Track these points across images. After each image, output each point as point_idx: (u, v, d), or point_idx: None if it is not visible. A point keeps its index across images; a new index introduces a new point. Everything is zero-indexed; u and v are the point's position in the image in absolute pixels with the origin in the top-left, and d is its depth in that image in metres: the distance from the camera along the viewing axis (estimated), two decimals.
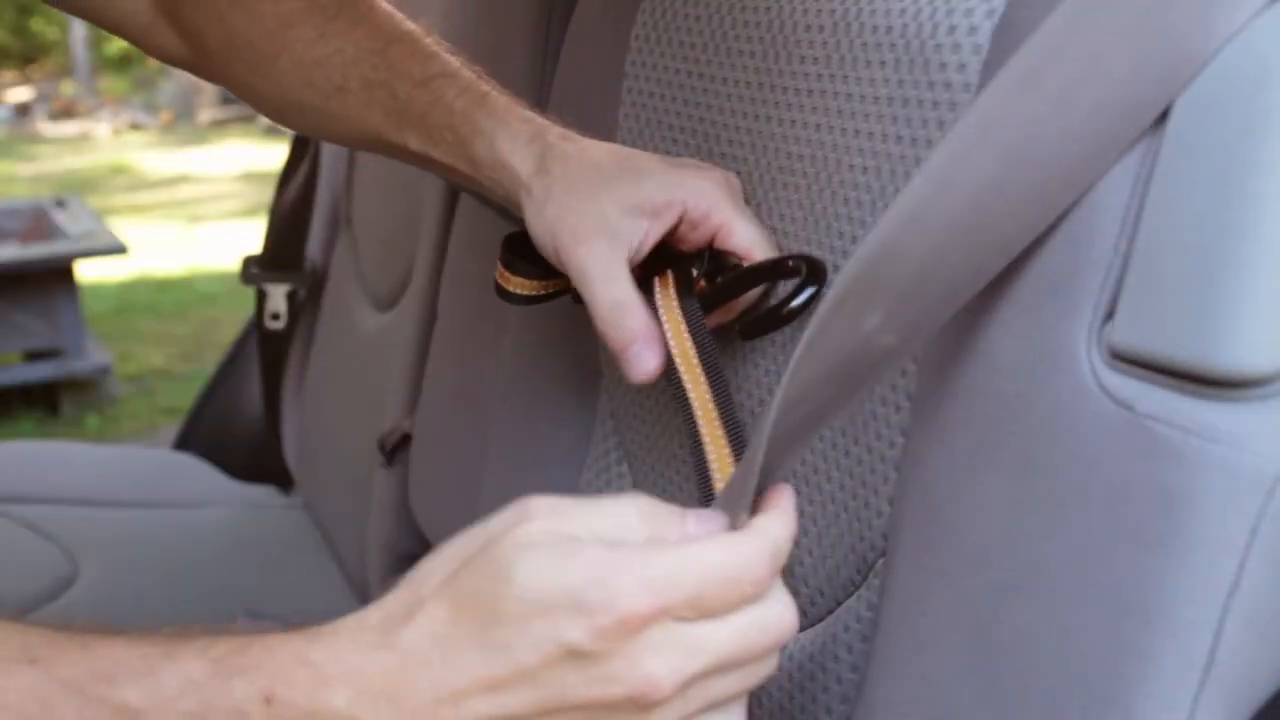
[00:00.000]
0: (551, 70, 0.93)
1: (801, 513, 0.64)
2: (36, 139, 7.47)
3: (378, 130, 0.74)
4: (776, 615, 0.46)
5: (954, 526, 0.53)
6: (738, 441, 0.58)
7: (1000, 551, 0.50)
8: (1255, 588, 0.43)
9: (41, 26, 10.09)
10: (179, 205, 5.65)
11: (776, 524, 0.48)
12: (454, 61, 0.73)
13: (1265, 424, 0.44)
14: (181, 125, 7.90)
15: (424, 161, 0.74)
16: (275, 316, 1.56)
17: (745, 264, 0.65)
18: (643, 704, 0.43)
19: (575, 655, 0.43)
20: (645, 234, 0.64)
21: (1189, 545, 0.44)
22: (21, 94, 8.51)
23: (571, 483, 0.83)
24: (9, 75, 9.25)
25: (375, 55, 0.73)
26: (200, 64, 0.80)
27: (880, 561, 0.59)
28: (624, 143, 0.78)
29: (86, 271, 3.54)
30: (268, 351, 1.57)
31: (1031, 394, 0.49)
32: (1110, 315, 0.47)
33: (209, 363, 3.06)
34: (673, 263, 0.67)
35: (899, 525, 0.56)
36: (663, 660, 0.43)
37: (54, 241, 3.15)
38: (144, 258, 4.48)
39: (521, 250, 0.70)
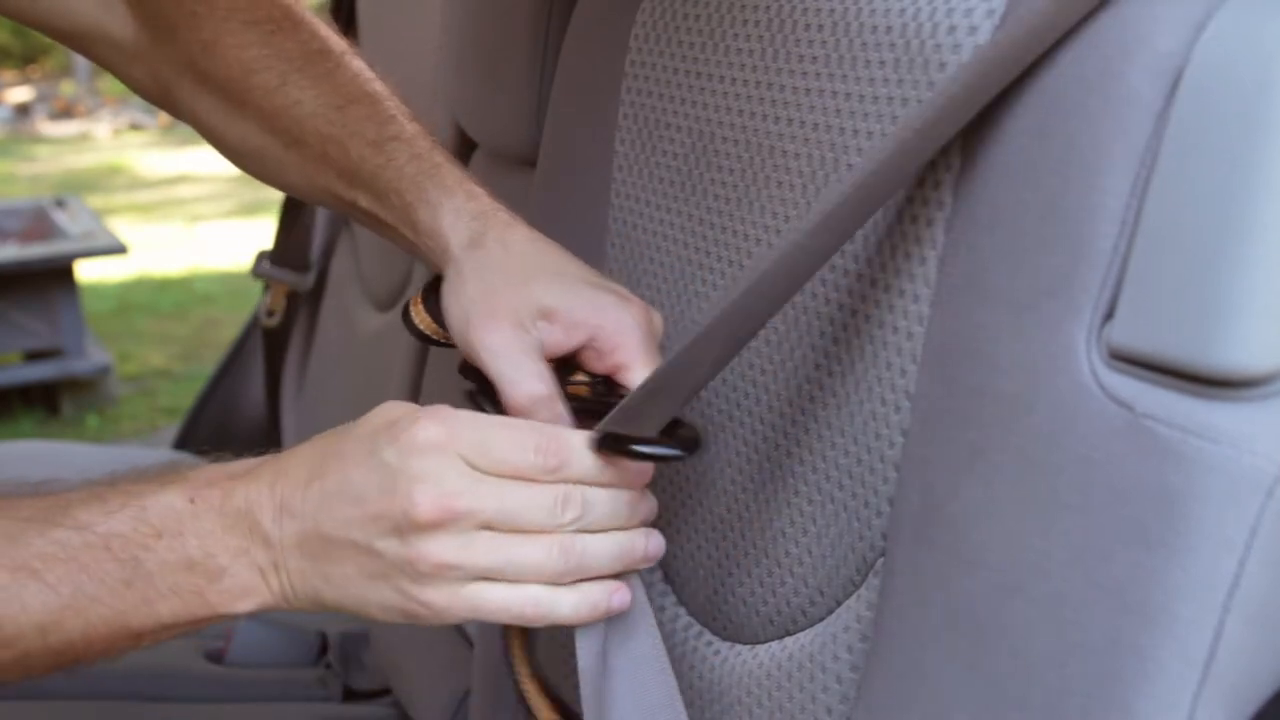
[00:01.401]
0: (551, 70, 0.93)
1: (801, 513, 0.64)
2: (36, 139, 7.46)
3: (330, 185, 0.75)
4: (543, 493, 0.55)
5: (954, 526, 0.53)
6: None
7: (1000, 551, 0.50)
8: (1255, 587, 0.43)
9: None
10: (179, 205, 5.65)
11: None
12: (411, 127, 0.74)
13: (1265, 424, 0.44)
14: (181, 125, 7.87)
15: (373, 221, 0.75)
16: (270, 313, 1.56)
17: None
18: (413, 528, 0.54)
19: (381, 466, 0.55)
20: (553, 344, 0.64)
21: (1189, 545, 0.44)
22: (21, 94, 8.50)
23: None
24: (9, 75, 9.24)
25: (334, 111, 0.74)
26: (171, 103, 0.82)
27: (880, 561, 0.59)
28: (624, 142, 0.78)
29: (86, 271, 3.54)
30: (267, 350, 1.58)
31: (1031, 394, 0.49)
32: (1110, 315, 0.47)
33: (209, 363, 3.06)
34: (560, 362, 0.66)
35: (899, 525, 0.56)
36: (431, 486, 0.54)
37: (54, 241, 3.15)
38: (144, 258, 4.47)
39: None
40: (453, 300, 0.67)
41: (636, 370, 0.63)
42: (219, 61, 0.76)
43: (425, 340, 0.74)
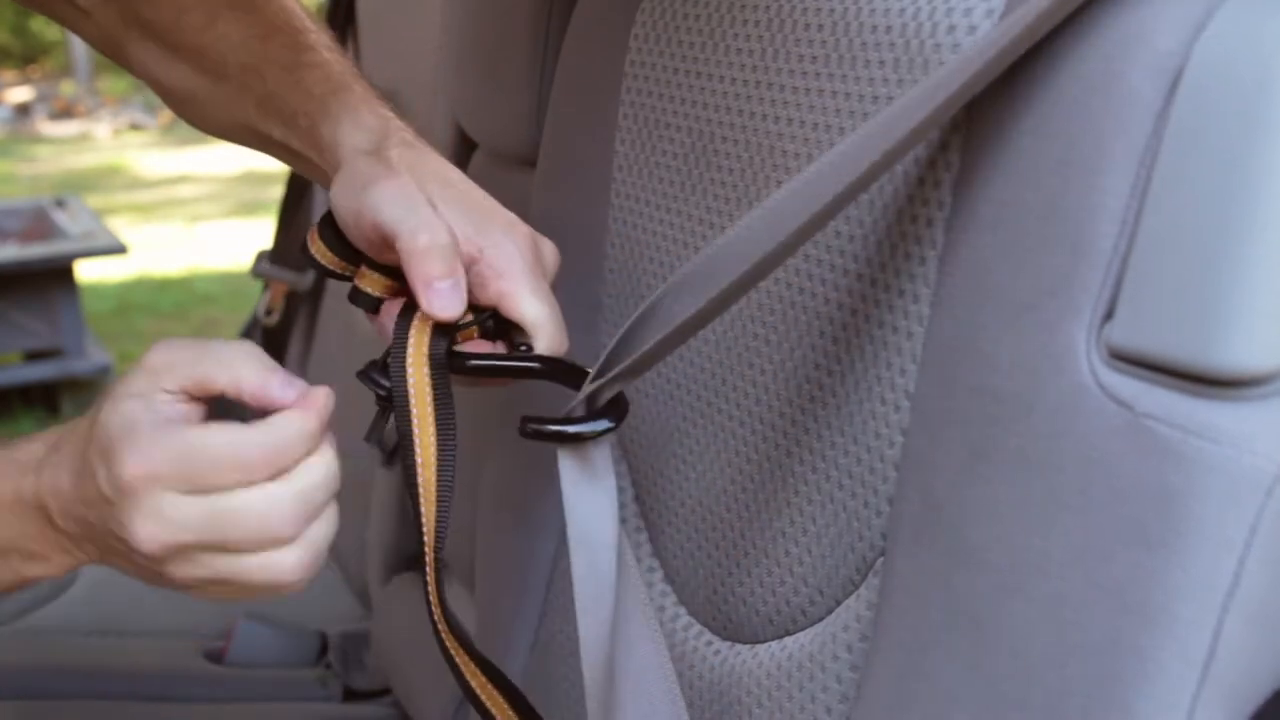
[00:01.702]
0: (551, 70, 0.93)
1: (801, 512, 0.64)
2: (36, 139, 7.46)
3: (249, 119, 0.75)
4: (248, 506, 0.54)
5: (954, 526, 0.53)
6: (446, 502, 0.59)
7: (1000, 551, 0.50)
8: (1255, 587, 0.43)
9: (41, 26, 10.08)
10: (179, 205, 5.65)
11: (292, 419, 0.55)
12: (331, 56, 0.74)
13: (1265, 424, 0.44)
14: (181, 125, 7.88)
15: (285, 153, 0.75)
16: (269, 312, 1.57)
17: (529, 348, 0.63)
18: (144, 558, 0.54)
19: (103, 497, 0.54)
20: None
21: (1189, 545, 0.44)
22: (21, 94, 8.50)
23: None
24: (9, 75, 9.25)
25: (256, 42, 0.75)
26: (123, 57, 0.83)
27: (880, 561, 0.59)
28: (624, 142, 0.78)
29: (86, 271, 3.54)
30: (267, 349, 1.58)
31: (1031, 394, 0.49)
32: (1110, 315, 0.47)
33: None
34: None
35: (899, 525, 0.56)
36: (146, 525, 0.53)
37: (54, 241, 3.14)
38: (144, 258, 4.47)
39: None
40: (343, 192, 0.64)
41: (524, 299, 0.62)
42: (156, 7, 0.77)
43: (323, 272, 0.70)
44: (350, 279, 0.69)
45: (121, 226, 4.54)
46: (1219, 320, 0.44)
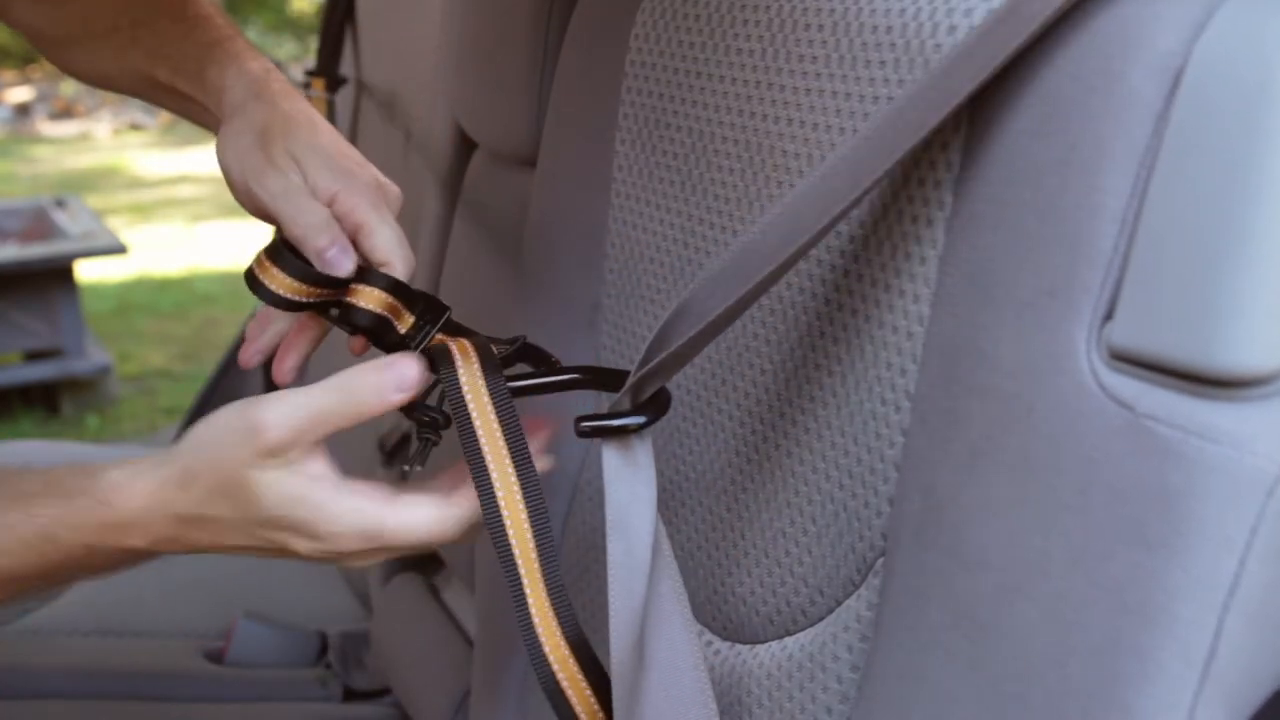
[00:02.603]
0: (551, 70, 0.93)
1: (801, 512, 0.64)
2: (36, 139, 7.46)
3: (137, 65, 0.82)
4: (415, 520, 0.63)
5: (954, 526, 0.53)
6: (541, 524, 0.62)
7: (1000, 551, 0.50)
8: (1255, 587, 0.43)
9: None
10: (179, 205, 5.65)
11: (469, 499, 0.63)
12: (219, 15, 0.81)
13: (1265, 424, 0.44)
14: (181, 125, 7.88)
15: (171, 94, 0.82)
16: None
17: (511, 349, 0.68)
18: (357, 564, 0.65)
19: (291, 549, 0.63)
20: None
21: (1189, 545, 0.44)
22: (21, 94, 8.49)
23: (571, 483, 0.83)
24: (9, 75, 9.24)
25: None
26: (8, 14, 0.87)
27: (880, 561, 0.59)
28: (624, 142, 0.78)
29: (86, 271, 3.54)
30: None
31: (1031, 394, 0.49)
32: (1110, 315, 0.47)
33: (209, 363, 3.06)
34: (468, 334, 0.69)
35: (899, 525, 0.56)
36: (355, 561, 0.64)
37: (54, 241, 3.14)
38: (144, 258, 4.47)
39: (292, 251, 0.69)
40: (229, 152, 0.73)
41: (377, 231, 0.70)
42: None
43: (284, 305, 0.69)
44: (314, 305, 0.69)
45: (121, 226, 4.54)
46: (1219, 320, 0.44)
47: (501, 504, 0.61)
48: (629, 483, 0.61)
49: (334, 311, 0.71)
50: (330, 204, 0.71)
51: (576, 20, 0.87)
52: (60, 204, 3.45)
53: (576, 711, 0.62)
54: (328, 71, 1.57)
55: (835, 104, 0.61)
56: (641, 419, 0.62)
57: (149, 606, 1.31)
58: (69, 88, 8.51)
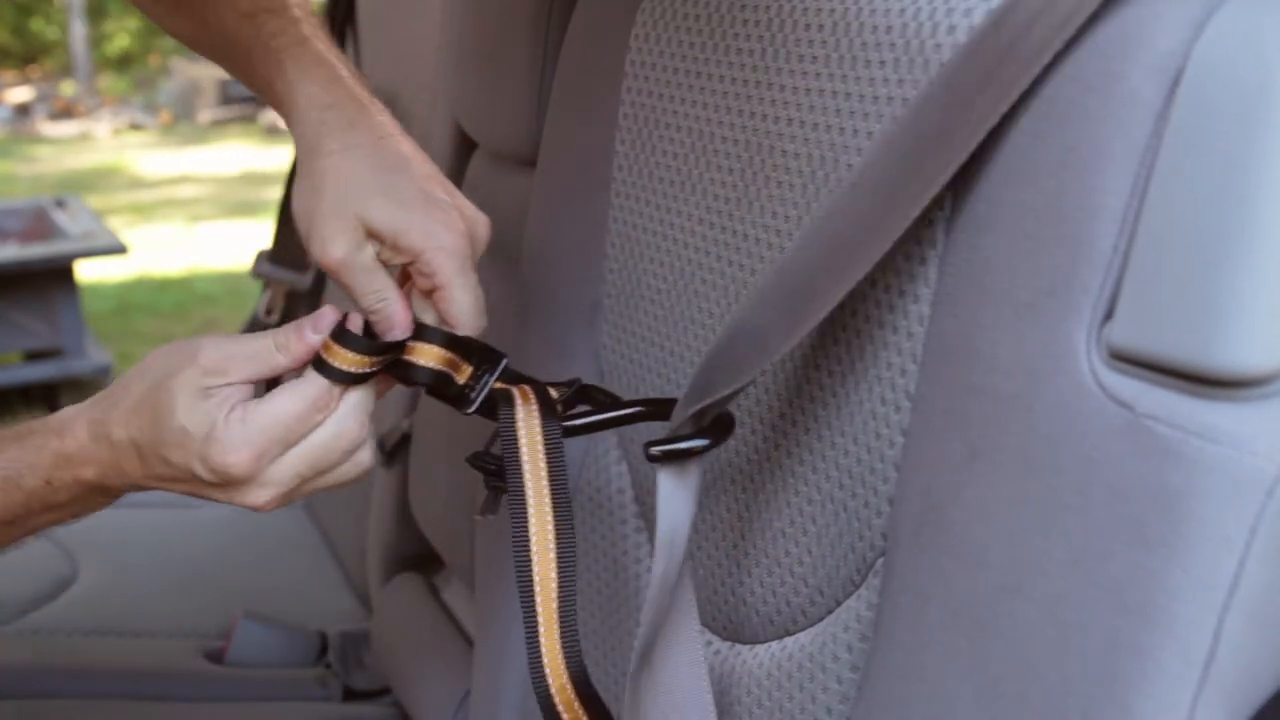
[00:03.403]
0: (551, 70, 0.93)
1: (801, 512, 0.64)
2: (36, 139, 7.46)
3: (213, 43, 0.79)
4: (329, 434, 0.65)
5: (954, 526, 0.53)
6: (568, 580, 0.63)
7: (1000, 551, 0.50)
8: (1255, 587, 0.43)
9: (41, 26, 10.08)
10: (179, 205, 5.65)
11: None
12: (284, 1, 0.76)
13: (1265, 424, 0.44)
14: (181, 125, 7.89)
15: (248, 83, 0.79)
16: (269, 312, 1.56)
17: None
18: (256, 509, 0.66)
19: (202, 480, 0.64)
20: (383, 259, 0.70)
21: (1189, 545, 0.44)
22: (21, 94, 8.50)
23: (572, 481, 0.83)
24: (9, 75, 9.25)
25: None
26: None
27: (880, 561, 0.59)
28: (624, 142, 0.78)
29: (86, 271, 3.54)
30: None
31: (1031, 394, 0.49)
32: (1110, 315, 0.47)
33: None
34: (528, 381, 0.69)
35: (899, 525, 0.56)
36: (263, 494, 0.65)
37: (54, 241, 3.14)
38: (144, 258, 4.47)
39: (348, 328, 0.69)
40: (299, 205, 0.72)
41: (456, 296, 0.69)
42: None
43: (351, 380, 0.67)
44: (379, 371, 0.68)
45: (121, 226, 4.54)
46: (1219, 320, 0.44)
47: (533, 541, 0.63)
48: (683, 503, 0.62)
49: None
50: (413, 260, 0.68)
51: (576, 20, 0.87)
52: (60, 204, 3.45)
53: None
54: None
55: (835, 104, 0.61)
56: (706, 441, 0.62)
57: (149, 606, 1.32)
58: (69, 88, 8.51)
